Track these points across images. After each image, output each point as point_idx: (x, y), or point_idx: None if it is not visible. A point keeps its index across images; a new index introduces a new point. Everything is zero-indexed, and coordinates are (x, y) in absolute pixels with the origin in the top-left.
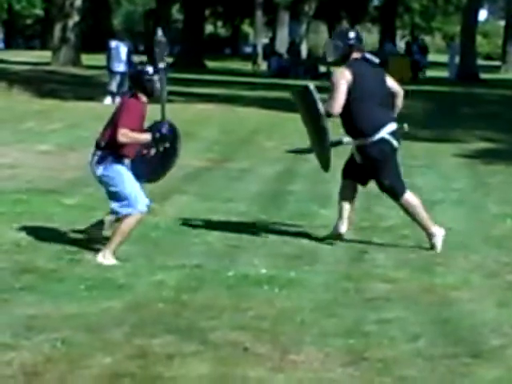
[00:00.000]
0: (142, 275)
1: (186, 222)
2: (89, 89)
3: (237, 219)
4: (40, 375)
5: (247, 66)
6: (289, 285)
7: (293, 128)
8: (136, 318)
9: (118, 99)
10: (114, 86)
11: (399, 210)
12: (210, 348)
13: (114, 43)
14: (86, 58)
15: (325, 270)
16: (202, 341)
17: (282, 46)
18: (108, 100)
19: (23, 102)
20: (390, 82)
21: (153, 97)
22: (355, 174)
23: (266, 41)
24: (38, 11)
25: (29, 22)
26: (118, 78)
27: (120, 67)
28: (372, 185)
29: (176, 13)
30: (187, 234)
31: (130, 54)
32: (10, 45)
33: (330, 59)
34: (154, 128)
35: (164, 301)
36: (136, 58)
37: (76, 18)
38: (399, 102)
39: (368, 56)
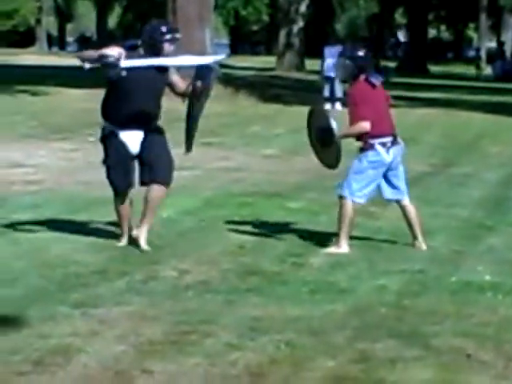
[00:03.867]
0: (364, 279)
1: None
2: (311, 94)
3: (460, 224)
4: (264, 376)
5: (470, 71)
6: None
7: None
8: (358, 322)
9: (337, 104)
10: (326, 91)
11: None
12: (433, 354)
13: (327, 50)
14: (310, 63)
15: None
16: (424, 346)
17: (506, 49)
18: (327, 105)
19: (248, 106)
20: None
21: None
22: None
23: (490, 44)
24: (265, 17)
25: (255, 28)
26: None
27: (332, 73)
28: None
29: (399, 17)
30: (410, 239)
31: None
32: (235, 51)
33: None
34: None
35: (386, 305)
36: None
37: (300, 23)
38: None
39: None
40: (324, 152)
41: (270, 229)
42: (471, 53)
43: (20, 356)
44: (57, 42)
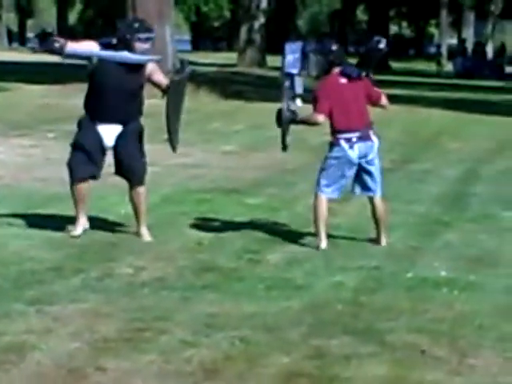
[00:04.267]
0: (320, 276)
1: (367, 223)
2: (273, 90)
3: (418, 221)
4: (219, 373)
5: (432, 67)
6: (468, 288)
7: (478, 130)
8: (314, 319)
9: (297, 100)
10: (285, 88)
11: None
12: (387, 350)
13: (287, 46)
14: (271, 60)
15: (506, 274)
16: (379, 342)
17: (468, 46)
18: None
19: (209, 103)
20: None
21: None
22: None
23: (451, 41)
24: (226, 13)
25: (216, 24)
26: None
27: (293, 69)
28: None
29: (361, 13)
30: (368, 235)
31: (303, 55)
32: (197, 47)
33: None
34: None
35: (342, 302)
36: None
37: (262, 19)
38: None
39: None
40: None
41: (227, 225)
42: (432, 49)
43: None
44: (17, 38)
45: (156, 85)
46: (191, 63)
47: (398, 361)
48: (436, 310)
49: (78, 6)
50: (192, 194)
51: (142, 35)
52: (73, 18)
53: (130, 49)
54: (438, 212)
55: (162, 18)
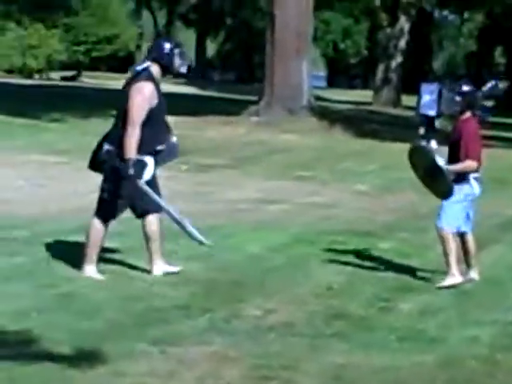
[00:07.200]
0: (454, 328)
1: (503, 274)
2: (407, 130)
3: None
4: None
5: None
6: None
7: None
8: (447, 375)
9: (432, 142)
10: (421, 130)
11: None
12: None
13: (424, 87)
14: (406, 99)
15: None
16: None
17: None
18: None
19: (343, 141)
20: None
21: None
22: None
23: None
24: (364, 51)
25: (353, 61)
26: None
27: (429, 111)
28: None
29: (498, 56)
30: (503, 287)
31: (439, 97)
32: (332, 83)
33: None
34: None
35: (477, 358)
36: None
37: (399, 59)
38: None
39: None
40: (434, 185)
41: (359, 270)
42: None
43: None
44: None
45: None
46: (324, 100)
47: None
48: None
49: (219, 39)
50: (324, 236)
51: (178, 50)
52: (211, 50)
53: (171, 65)
54: None
55: (299, 53)
